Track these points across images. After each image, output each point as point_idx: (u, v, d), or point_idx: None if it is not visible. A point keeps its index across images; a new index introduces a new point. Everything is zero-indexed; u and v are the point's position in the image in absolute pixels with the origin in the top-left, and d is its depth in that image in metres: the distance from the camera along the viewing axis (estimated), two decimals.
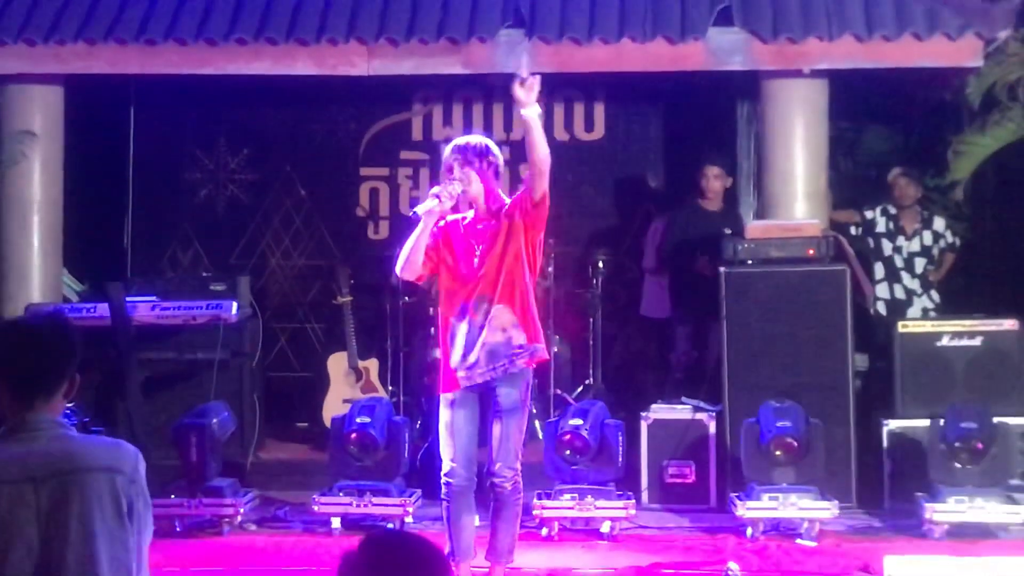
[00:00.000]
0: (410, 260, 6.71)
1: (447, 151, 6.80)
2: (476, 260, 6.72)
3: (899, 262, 10.38)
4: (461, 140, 6.86)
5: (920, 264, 10.37)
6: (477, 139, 6.85)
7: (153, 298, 9.67)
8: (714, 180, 10.30)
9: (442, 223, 6.79)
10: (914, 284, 10.37)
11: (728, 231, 9.47)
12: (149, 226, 11.71)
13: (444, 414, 6.78)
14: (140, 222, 11.70)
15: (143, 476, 3.73)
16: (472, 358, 6.67)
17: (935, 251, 10.42)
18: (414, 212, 6.67)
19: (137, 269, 11.31)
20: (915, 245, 10.42)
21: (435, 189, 6.72)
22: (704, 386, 9.62)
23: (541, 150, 6.60)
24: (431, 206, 6.62)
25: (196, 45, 10.04)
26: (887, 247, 10.40)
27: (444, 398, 6.80)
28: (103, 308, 9.40)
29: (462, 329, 6.71)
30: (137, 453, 3.75)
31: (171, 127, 11.71)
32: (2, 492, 3.58)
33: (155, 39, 10.04)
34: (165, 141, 11.72)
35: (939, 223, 10.49)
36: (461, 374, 6.71)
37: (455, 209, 6.81)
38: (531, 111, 6.48)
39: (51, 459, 3.62)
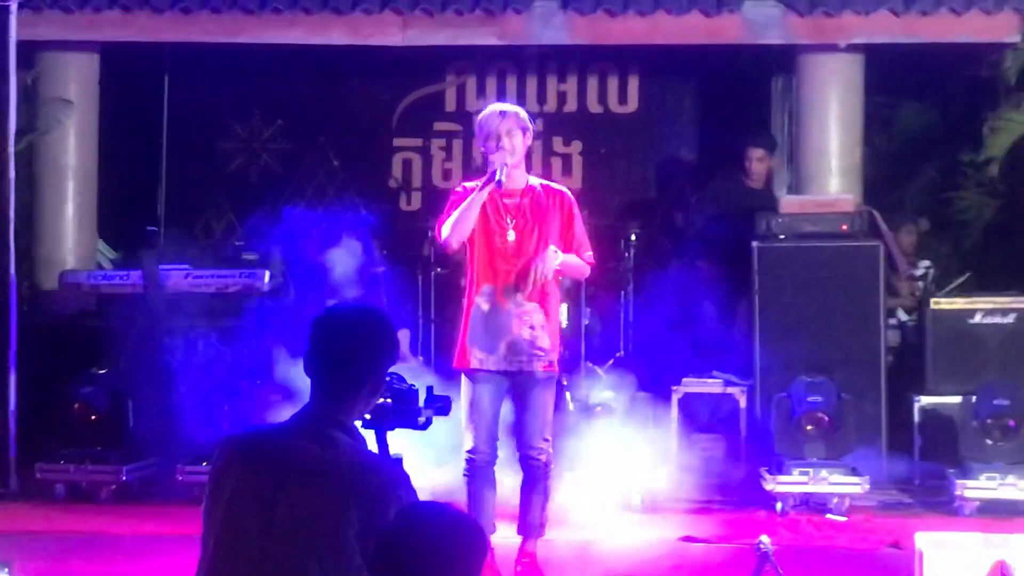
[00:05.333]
0: (463, 227, 6.63)
1: (497, 119, 6.66)
2: (512, 234, 6.68)
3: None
4: (507, 108, 6.76)
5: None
6: (519, 109, 6.81)
7: (186, 267, 9.70)
8: (757, 163, 10.27)
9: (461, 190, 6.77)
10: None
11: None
12: (183, 195, 11.75)
13: (467, 390, 6.73)
14: (174, 191, 11.74)
15: None
16: (493, 346, 6.65)
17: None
18: (499, 181, 6.58)
19: (170, 238, 11.34)
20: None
21: (504, 158, 6.61)
22: (734, 361, 9.59)
23: (578, 277, 6.98)
24: (502, 176, 6.59)
25: (231, 13, 10.06)
26: None
27: (467, 374, 6.77)
28: (136, 276, 9.44)
29: (489, 313, 6.67)
30: None
31: (205, 96, 11.72)
32: None
33: (190, 7, 10.05)
34: (199, 110, 11.74)
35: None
36: (478, 356, 6.68)
37: (476, 176, 6.80)
38: (556, 264, 6.60)
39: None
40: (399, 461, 3.67)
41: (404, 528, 3.15)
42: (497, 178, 6.58)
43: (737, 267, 9.63)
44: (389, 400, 3.95)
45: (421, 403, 4.01)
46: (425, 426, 4.06)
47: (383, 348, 3.75)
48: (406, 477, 3.58)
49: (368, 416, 3.89)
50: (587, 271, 6.85)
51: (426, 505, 3.41)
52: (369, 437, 3.87)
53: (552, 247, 6.61)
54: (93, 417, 8.81)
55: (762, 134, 10.60)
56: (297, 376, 7.61)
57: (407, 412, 3.98)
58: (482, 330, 6.67)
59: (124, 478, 8.71)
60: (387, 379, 3.86)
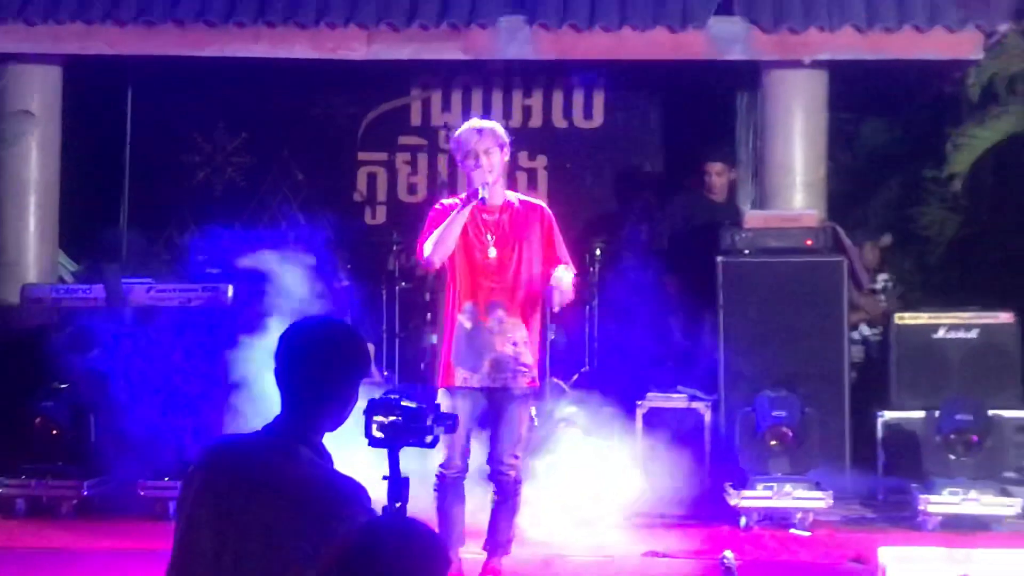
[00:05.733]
0: (445, 245, 6.63)
1: (475, 136, 6.67)
2: (493, 251, 6.68)
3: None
4: (484, 125, 6.77)
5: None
6: (496, 125, 6.80)
7: (149, 280, 9.64)
8: (717, 177, 10.31)
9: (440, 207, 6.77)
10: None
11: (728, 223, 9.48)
12: (146, 208, 11.69)
13: (445, 403, 6.72)
14: (137, 204, 11.68)
15: None
16: (477, 364, 6.64)
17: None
18: (482, 198, 6.58)
19: (133, 251, 11.28)
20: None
21: (484, 176, 6.61)
22: (698, 375, 9.60)
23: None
24: (485, 194, 6.58)
25: (195, 27, 10.03)
26: None
27: (449, 391, 6.75)
28: (98, 289, 9.38)
29: (471, 331, 6.67)
30: None
31: (169, 109, 11.67)
32: None
33: (154, 20, 10.03)
34: (163, 123, 11.69)
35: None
36: (462, 375, 6.67)
37: (454, 193, 6.80)
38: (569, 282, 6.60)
39: None
40: (354, 482, 3.63)
41: (364, 541, 3.13)
42: (480, 195, 6.58)
43: (701, 281, 9.64)
44: (400, 419, 3.98)
45: (430, 421, 4.05)
46: (433, 444, 4.12)
47: (350, 362, 3.72)
48: (364, 495, 3.55)
49: (380, 434, 3.94)
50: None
51: (386, 518, 3.40)
52: (381, 455, 3.94)
53: (562, 266, 6.61)
54: (54, 432, 8.74)
55: (721, 148, 10.63)
56: (259, 390, 7.62)
57: (417, 430, 4.02)
58: (466, 348, 6.66)
59: (85, 493, 8.65)
60: (393, 396, 3.94)
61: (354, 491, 3.54)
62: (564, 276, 6.58)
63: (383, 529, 3.22)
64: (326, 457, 3.64)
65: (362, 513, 3.47)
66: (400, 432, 3.98)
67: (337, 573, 3.06)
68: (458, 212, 6.61)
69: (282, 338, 3.71)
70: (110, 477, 8.86)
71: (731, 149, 10.77)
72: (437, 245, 6.63)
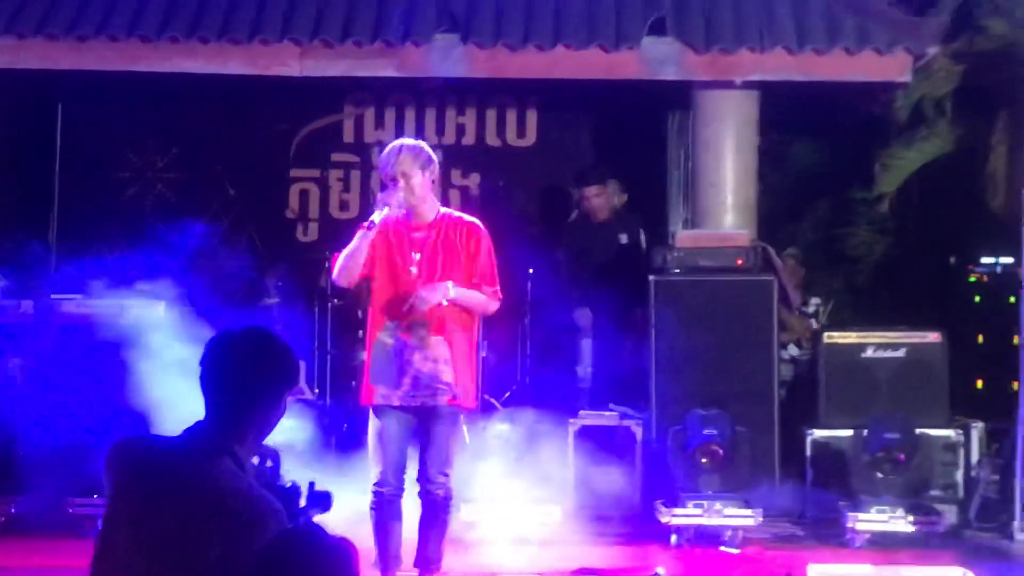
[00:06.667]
0: (349, 268, 6.65)
1: (393, 159, 6.67)
2: (415, 268, 6.67)
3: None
4: (407, 145, 6.77)
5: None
6: (421, 146, 6.80)
7: (78, 296, 9.57)
8: (595, 199, 10.39)
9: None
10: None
11: (624, 237, 9.58)
12: (76, 224, 11.59)
13: (374, 422, 6.72)
14: (66, 219, 11.58)
15: None
16: (397, 381, 6.62)
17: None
18: (371, 222, 6.59)
19: (63, 265, 11.18)
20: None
21: (393, 199, 6.62)
22: (630, 393, 9.64)
23: (481, 311, 6.79)
24: (383, 216, 6.58)
25: (128, 42, 9.97)
26: None
27: (372, 409, 6.74)
28: (28, 305, 9.30)
29: (392, 348, 6.65)
30: None
31: (99, 124, 11.59)
32: None
33: (86, 35, 9.96)
34: (93, 138, 11.61)
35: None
36: (382, 392, 6.66)
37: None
38: (447, 295, 6.55)
39: None
40: (269, 499, 3.58)
41: (278, 553, 3.13)
42: (371, 220, 6.60)
43: (605, 302, 9.70)
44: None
45: (303, 502, 3.80)
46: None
47: (275, 371, 3.69)
48: (277, 513, 3.52)
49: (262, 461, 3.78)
50: (493, 306, 6.79)
51: (301, 529, 3.38)
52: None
53: (449, 282, 6.60)
54: None
55: (588, 171, 10.69)
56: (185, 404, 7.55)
57: (290, 511, 3.75)
58: (385, 366, 6.65)
59: (13, 511, 8.56)
60: (268, 465, 3.78)
61: (268, 508, 3.52)
62: (439, 287, 6.55)
63: (299, 540, 3.22)
64: (241, 466, 3.61)
65: (275, 526, 3.46)
66: None
67: None
68: (362, 236, 6.62)
69: (208, 345, 3.69)
70: (38, 494, 8.76)
71: (596, 169, 10.79)
72: (342, 270, 6.69)
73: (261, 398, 3.65)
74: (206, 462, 3.53)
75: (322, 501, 3.87)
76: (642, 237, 10.51)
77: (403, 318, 6.63)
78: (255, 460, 3.75)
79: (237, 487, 3.52)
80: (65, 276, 10.20)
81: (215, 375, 3.66)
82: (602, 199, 10.41)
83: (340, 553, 3.16)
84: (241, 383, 3.63)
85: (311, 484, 3.88)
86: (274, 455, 3.81)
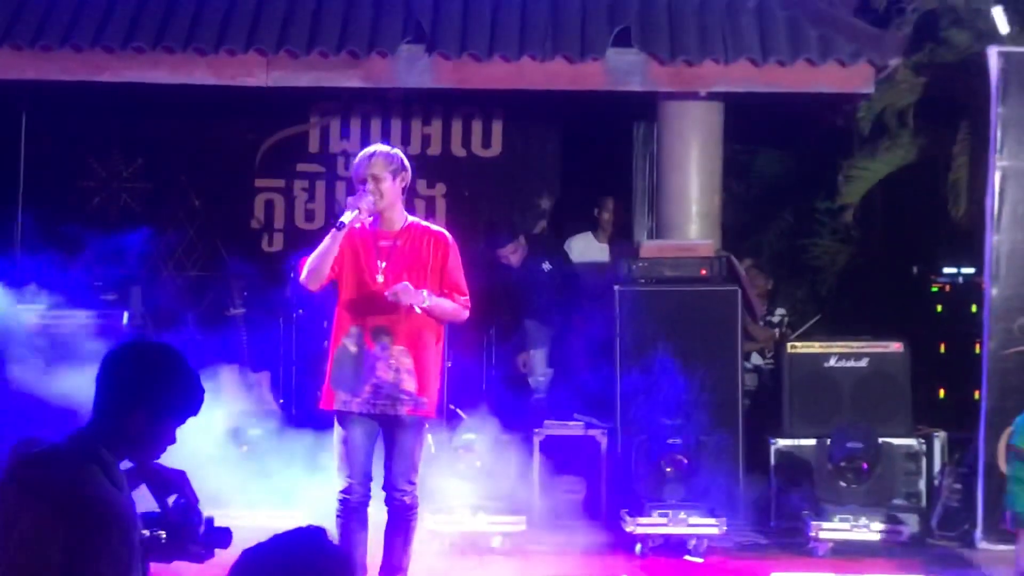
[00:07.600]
0: (318, 270, 6.66)
1: (365, 162, 6.70)
2: (380, 276, 6.67)
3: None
4: (381, 151, 6.79)
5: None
6: (396, 153, 6.82)
7: (43, 305, 9.54)
8: (511, 256, 10.40)
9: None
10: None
11: (547, 264, 10.09)
12: (41, 233, 11.53)
13: (338, 430, 6.73)
14: (31, 229, 11.52)
15: None
16: (357, 388, 6.62)
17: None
18: (340, 223, 6.60)
19: (27, 275, 11.13)
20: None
21: (363, 202, 6.63)
22: (595, 403, 9.65)
23: (452, 320, 6.80)
24: (352, 217, 6.59)
25: (92, 52, 9.94)
26: None
27: (336, 415, 6.75)
28: None
29: (356, 355, 6.66)
30: None
31: (64, 134, 11.55)
32: None
33: (50, 45, 9.92)
34: (57, 148, 11.56)
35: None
36: (342, 398, 6.66)
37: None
38: (421, 303, 6.55)
39: None
40: (126, 514, 3.53)
41: (278, 556, 3.13)
42: (340, 220, 6.60)
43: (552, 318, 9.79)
44: (164, 535, 3.74)
45: (201, 532, 3.77)
46: (205, 558, 3.82)
47: (160, 389, 3.66)
48: (124, 527, 3.49)
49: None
50: (463, 314, 6.81)
51: (301, 534, 3.37)
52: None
53: (425, 290, 6.61)
54: None
55: (498, 231, 10.69)
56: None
57: (182, 546, 3.76)
58: (347, 372, 6.66)
59: None
60: (169, 502, 3.74)
61: (115, 513, 3.50)
62: (412, 289, 6.56)
63: (284, 543, 3.22)
64: (117, 481, 3.58)
65: (119, 536, 3.45)
66: (165, 549, 3.75)
67: None
68: (330, 239, 6.63)
69: (104, 356, 3.72)
70: None
71: (515, 219, 11.00)
72: (310, 272, 6.69)
73: (139, 412, 3.63)
74: (74, 468, 3.51)
75: (221, 537, 3.83)
76: (566, 255, 10.63)
77: (368, 325, 6.64)
78: (171, 498, 3.76)
79: (94, 497, 3.49)
80: (30, 284, 10.17)
81: (100, 380, 3.68)
82: (518, 254, 10.42)
83: (339, 563, 3.17)
84: (118, 395, 3.64)
85: (209, 520, 3.82)
86: (179, 475, 3.80)
